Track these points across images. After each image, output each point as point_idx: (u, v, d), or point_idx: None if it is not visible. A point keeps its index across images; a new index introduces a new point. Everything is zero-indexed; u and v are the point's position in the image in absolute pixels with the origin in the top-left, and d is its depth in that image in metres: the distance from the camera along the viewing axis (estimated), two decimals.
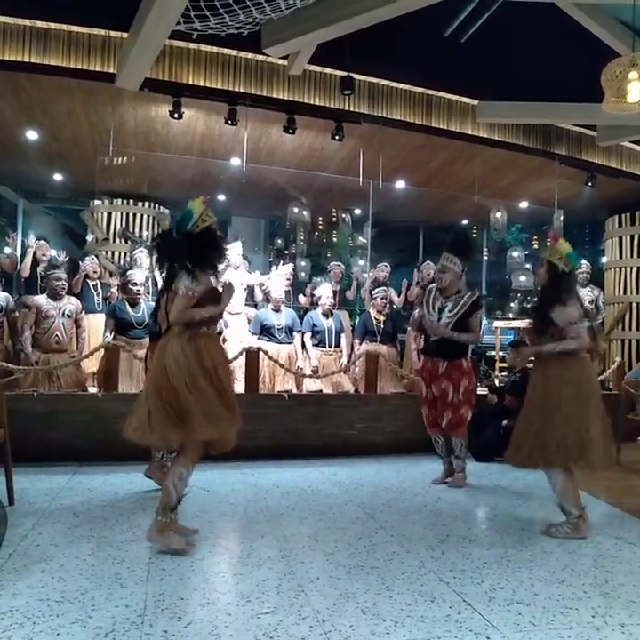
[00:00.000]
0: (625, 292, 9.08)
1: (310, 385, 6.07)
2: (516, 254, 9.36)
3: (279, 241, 10.81)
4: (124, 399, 4.92)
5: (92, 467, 4.57)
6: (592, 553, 3.07)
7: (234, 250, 6.44)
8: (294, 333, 6.27)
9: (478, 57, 6.04)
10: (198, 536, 3.06)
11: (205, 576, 2.65)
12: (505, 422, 5.32)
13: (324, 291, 6.48)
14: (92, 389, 5.74)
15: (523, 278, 8.99)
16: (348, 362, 6.30)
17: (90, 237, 8.56)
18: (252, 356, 5.36)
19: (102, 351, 5.29)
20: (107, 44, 5.66)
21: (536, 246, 11.45)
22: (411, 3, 4.63)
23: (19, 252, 7.57)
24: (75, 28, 5.56)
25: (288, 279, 6.89)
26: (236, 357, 5.35)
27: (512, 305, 11.30)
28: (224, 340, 5.41)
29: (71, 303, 5.82)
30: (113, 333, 5.49)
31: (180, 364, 2.81)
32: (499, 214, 8.66)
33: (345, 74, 6.05)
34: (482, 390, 6.17)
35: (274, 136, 6.93)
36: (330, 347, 6.36)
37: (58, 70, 5.56)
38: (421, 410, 4.51)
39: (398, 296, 7.43)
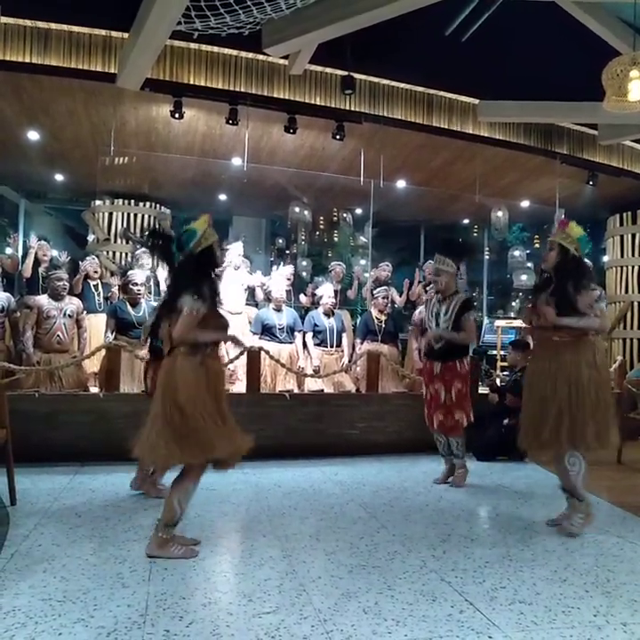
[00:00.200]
0: (626, 291, 9.07)
1: (312, 385, 6.07)
2: (517, 253, 9.36)
3: (280, 241, 10.81)
4: (125, 399, 4.93)
5: (94, 467, 4.57)
6: (594, 552, 3.07)
7: (234, 250, 6.45)
8: (296, 333, 6.27)
9: (479, 56, 6.04)
10: (198, 536, 3.05)
11: (207, 575, 2.65)
12: (506, 421, 5.32)
13: (326, 290, 6.48)
14: (94, 389, 5.74)
15: (524, 277, 8.98)
16: (350, 361, 6.30)
17: (91, 237, 8.57)
18: (253, 355, 5.36)
19: (103, 351, 5.30)
20: (108, 45, 5.66)
21: (537, 245, 11.44)
22: (411, 2, 4.62)
23: (20, 253, 7.59)
24: (76, 29, 5.58)
25: (289, 279, 6.89)
26: (237, 357, 5.36)
27: (513, 304, 11.29)
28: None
29: (72, 303, 5.82)
30: (114, 333, 5.49)
31: (190, 386, 2.81)
32: (500, 213, 8.66)
33: (346, 73, 6.05)
34: (483, 390, 6.17)
35: (275, 136, 6.94)
36: (331, 346, 6.35)
37: (59, 70, 5.57)
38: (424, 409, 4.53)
39: (400, 295, 7.43)
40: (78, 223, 9.39)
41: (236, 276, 6.41)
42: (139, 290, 5.58)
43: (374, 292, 6.75)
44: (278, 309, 6.22)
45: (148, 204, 9.02)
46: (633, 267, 9.03)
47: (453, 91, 6.82)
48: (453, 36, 6.05)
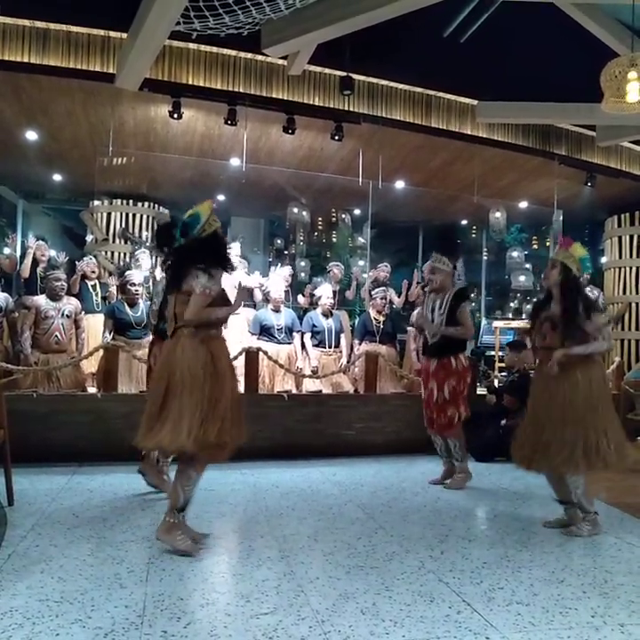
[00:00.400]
0: (624, 292, 9.09)
1: (310, 385, 6.07)
2: (515, 254, 9.37)
3: (279, 241, 10.81)
4: (123, 399, 4.93)
5: (92, 467, 4.57)
6: (591, 553, 3.07)
7: (232, 250, 6.44)
8: (294, 334, 6.27)
9: (478, 57, 6.04)
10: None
11: (205, 576, 2.65)
12: (503, 422, 5.33)
13: (324, 291, 6.48)
14: (92, 390, 5.74)
15: (522, 278, 9.00)
16: (348, 362, 6.30)
17: (89, 238, 8.57)
18: (251, 356, 5.36)
19: (101, 351, 5.29)
20: (106, 45, 5.66)
21: (535, 246, 11.45)
22: (410, 3, 4.63)
23: (18, 253, 7.57)
24: (74, 29, 5.57)
25: (287, 280, 6.89)
26: (235, 358, 5.35)
27: (511, 305, 11.29)
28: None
29: (70, 304, 5.81)
30: (112, 334, 5.49)
31: (190, 367, 2.80)
32: (498, 214, 8.66)
33: (344, 74, 6.05)
34: (481, 390, 6.17)
35: (273, 136, 6.94)
36: (329, 347, 6.35)
37: (57, 70, 5.57)
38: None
39: (398, 296, 7.43)
40: (77, 223, 9.38)
41: (234, 277, 6.40)
42: (137, 290, 5.58)
43: (373, 292, 6.75)
44: (277, 310, 6.21)
45: (146, 204, 9.01)
46: (631, 268, 9.04)
47: (452, 91, 6.83)
48: (452, 37, 6.04)
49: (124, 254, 8.48)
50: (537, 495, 4.19)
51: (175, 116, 6.06)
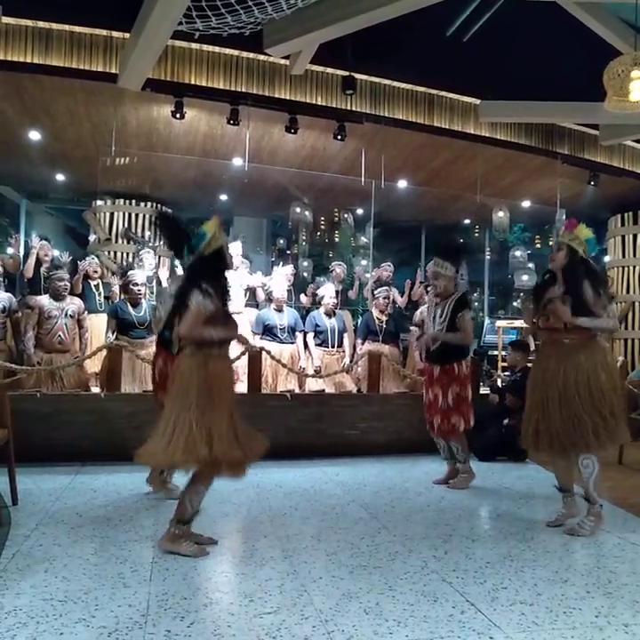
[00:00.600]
0: (628, 291, 9.07)
1: (313, 385, 6.07)
2: (518, 254, 9.35)
3: (281, 241, 10.81)
4: (126, 399, 4.93)
5: (95, 467, 4.58)
6: (595, 553, 3.07)
7: (233, 250, 6.44)
8: (297, 333, 6.27)
9: (480, 56, 6.04)
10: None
11: (208, 576, 2.65)
12: (506, 421, 5.32)
13: (327, 290, 6.48)
14: (95, 389, 5.75)
15: (525, 277, 8.98)
16: (351, 362, 6.30)
17: (92, 238, 8.58)
18: (254, 356, 5.36)
19: (105, 351, 5.30)
20: (109, 45, 5.66)
21: (538, 245, 11.43)
22: (413, 2, 4.62)
23: (22, 253, 7.59)
24: (77, 29, 5.57)
25: (289, 279, 6.88)
26: (238, 357, 5.35)
27: (514, 304, 11.28)
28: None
29: (74, 303, 5.82)
30: (115, 333, 5.50)
31: (185, 386, 2.83)
32: (501, 213, 8.65)
33: (347, 73, 6.05)
34: (484, 390, 6.17)
35: (276, 136, 6.93)
36: (332, 347, 6.35)
37: (60, 71, 5.57)
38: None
39: (401, 296, 7.42)
40: (79, 223, 9.39)
41: (236, 277, 6.41)
42: (139, 290, 5.59)
43: (375, 292, 6.74)
44: (279, 310, 6.21)
45: (149, 204, 9.02)
46: (634, 267, 9.03)
47: (454, 91, 6.82)
48: (455, 37, 6.05)
49: (127, 254, 8.50)
50: (540, 495, 4.19)
51: (178, 115, 6.06)
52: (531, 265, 9.36)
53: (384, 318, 6.57)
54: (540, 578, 2.69)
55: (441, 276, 4.35)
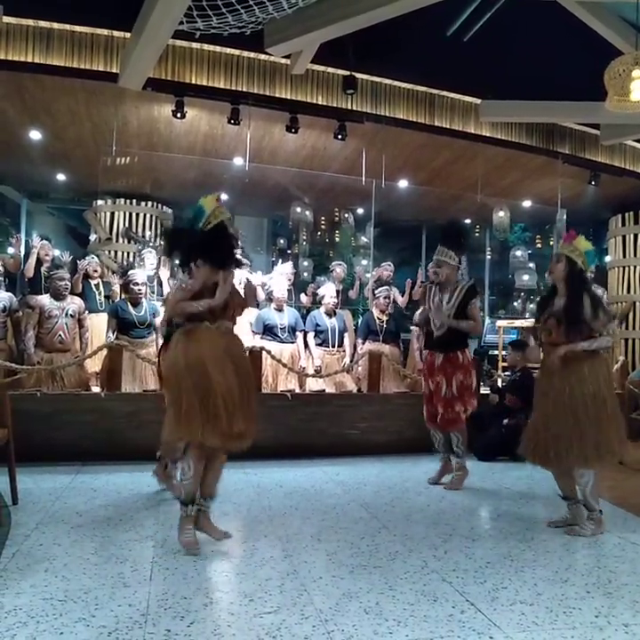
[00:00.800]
0: (628, 291, 9.06)
1: (313, 385, 6.07)
2: (519, 253, 9.35)
3: (282, 241, 10.81)
4: (127, 399, 4.94)
5: (96, 466, 4.58)
6: (595, 553, 3.06)
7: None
8: (297, 333, 6.27)
9: (481, 56, 6.04)
10: (199, 536, 3.04)
11: (208, 575, 2.65)
12: (506, 421, 5.33)
13: (328, 290, 6.48)
14: (96, 389, 5.75)
15: (526, 277, 8.98)
16: (351, 361, 6.30)
17: (93, 237, 8.58)
18: (254, 355, 5.36)
19: (105, 351, 5.30)
20: (109, 44, 5.66)
21: (539, 245, 11.42)
22: (413, 2, 4.62)
23: (22, 253, 7.59)
24: (77, 28, 5.57)
25: (289, 279, 6.88)
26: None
27: (515, 304, 11.28)
28: None
29: (74, 303, 5.82)
30: (115, 333, 5.50)
31: (172, 360, 2.86)
32: (501, 213, 8.65)
33: (348, 73, 6.05)
34: (484, 390, 6.16)
35: (276, 135, 6.93)
36: (333, 346, 6.35)
37: (61, 70, 5.57)
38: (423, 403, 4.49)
39: (402, 295, 7.42)
40: (80, 223, 9.39)
41: (238, 275, 6.40)
42: (139, 289, 5.59)
43: (376, 291, 6.74)
44: (280, 309, 6.21)
45: (149, 203, 9.03)
46: (635, 267, 9.02)
47: (455, 90, 6.81)
48: (455, 36, 6.05)
49: (128, 254, 8.50)
50: (540, 494, 4.19)
51: (178, 115, 6.06)
52: (531, 265, 9.35)
53: (384, 318, 6.57)
54: (540, 578, 2.69)
55: (445, 265, 4.31)
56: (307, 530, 3.29)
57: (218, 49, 5.96)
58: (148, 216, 8.95)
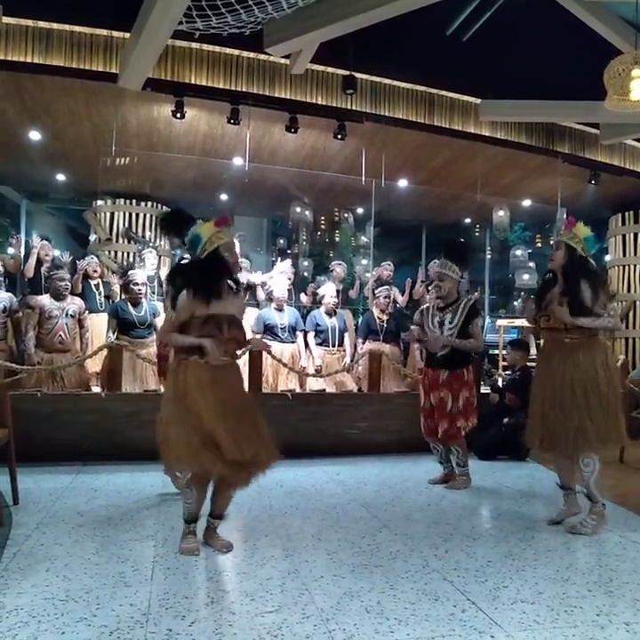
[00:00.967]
0: (628, 290, 9.07)
1: (313, 384, 6.07)
2: (519, 253, 9.35)
3: (281, 241, 10.81)
4: (127, 399, 4.94)
5: (96, 466, 4.58)
6: (596, 551, 3.07)
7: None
8: (297, 332, 6.27)
9: (480, 55, 6.04)
10: (200, 536, 3.04)
11: (209, 575, 2.66)
12: (506, 420, 5.33)
13: (328, 290, 6.48)
14: (96, 389, 5.75)
15: (526, 276, 8.97)
16: (352, 361, 6.30)
17: (93, 237, 8.58)
18: (255, 355, 5.36)
19: (105, 351, 5.30)
20: (109, 44, 5.66)
21: (539, 245, 11.42)
22: (413, 1, 4.61)
23: (22, 253, 7.59)
24: (77, 28, 5.56)
25: (289, 278, 6.89)
26: (239, 357, 5.36)
27: (515, 303, 11.28)
28: None
29: (74, 303, 5.83)
30: (115, 333, 5.50)
31: (166, 390, 2.92)
32: (501, 213, 8.65)
33: (347, 73, 6.04)
34: (485, 389, 6.16)
35: (276, 135, 6.93)
36: (333, 346, 6.35)
37: (60, 70, 5.56)
38: (421, 418, 4.47)
39: (402, 295, 7.42)
40: (80, 223, 9.38)
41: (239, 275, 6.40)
42: (139, 289, 5.59)
43: (376, 291, 6.74)
44: (280, 309, 6.21)
45: (149, 203, 9.02)
46: (635, 266, 9.02)
47: (455, 90, 6.81)
48: (455, 36, 6.04)
49: (128, 254, 8.50)
50: (541, 493, 4.19)
51: (178, 115, 6.06)
52: (531, 264, 9.35)
53: (385, 317, 6.57)
54: (542, 576, 2.69)
55: (447, 278, 4.27)
56: (307, 529, 3.30)
57: (217, 49, 5.95)
58: (147, 216, 8.95)
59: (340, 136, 6.53)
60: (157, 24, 4.44)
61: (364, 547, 3.03)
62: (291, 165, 7.86)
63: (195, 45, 5.85)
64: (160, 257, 6.63)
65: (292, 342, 6.21)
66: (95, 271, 6.83)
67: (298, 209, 8.46)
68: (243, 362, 5.43)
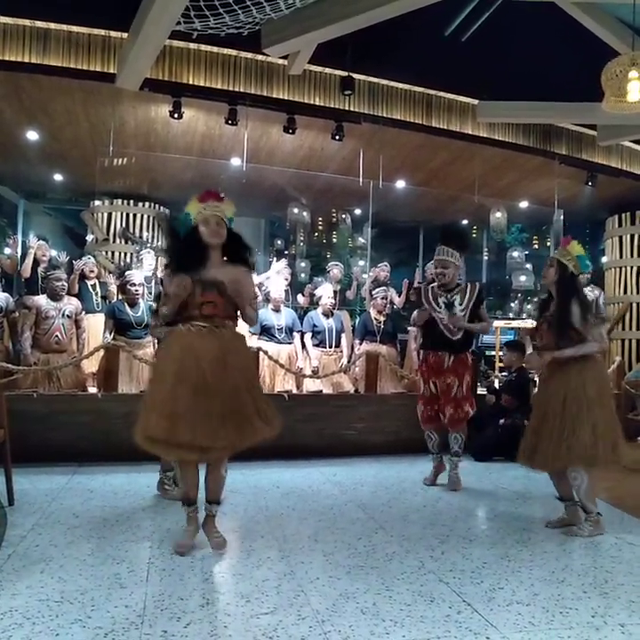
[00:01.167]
0: (625, 292, 9.08)
1: (310, 385, 6.07)
2: (516, 254, 9.36)
3: (279, 242, 10.81)
4: (123, 399, 4.92)
5: (92, 467, 4.57)
6: (592, 553, 3.07)
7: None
8: (294, 333, 6.27)
9: (478, 56, 6.03)
10: (201, 537, 3.04)
11: (205, 576, 2.65)
12: (502, 421, 5.34)
13: (325, 291, 6.48)
14: (92, 390, 5.74)
15: (523, 278, 8.99)
16: (349, 362, 6.30)
17: (90, 238, 8.57)
18: (251, 356, 5.35)
19: (102, 351, 5.29)
20: (107, 44, 5.66)
21: (536, 246, 11.43)
22: (411, 2, 4.62)
23: (19, 253, 7.57)
24: (75, 28, 5.56)
25: (286, 279, 6.89)
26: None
27: (512, 305, 11.29)
28: None
29: (71, 304, 5.81)
30: (112, 334, 5.49)
31: (155, 361, 3.00)
32: (499, 214, 8.66)
33: (345, 74, 6.05)
34: (481, 391, 6.17)
35: (274, 136, 6.93)
36: (330, 347, 6.35)
37: (58, 70, 5.56)
38: (417, 406, 4.49)
39: (399, 296, 7.43)
40: (77, 223, 9.38)
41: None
42: (137, 290, 5.58)
43: (373, 292, 6.74)
44: (277, 310, 6.21)
45: (147, 204, 9.02)
46: (632, 267, 9.03)
47: (452, 91, 6.82)
48: (452, 37, 6.04)
49: (125, 254, 8.49)
50: (537, 495, 4.19)
51: (176, 115, 6.06)
52: (528, 265, 9.37)
53: (382, 318, 6.57)
54: (537, 578, 2.70)
55: (451, 265, 4.27)
56: (304, 530, 3.29)
57: (215, 49, 5.96)
58: (145, 216, 8.94)
59: (337, 137, 6.53)
60: (155, 24, 4.44)
61: (361, 548, 3.03)
62: (288, 166, 7.87)
63: (192, 46, 5.85)
64: (158, 257, 6.61)
65: (289, 343, 6.21)
66: (92, 271, 6.82)
67: (295, 210, 8.47)
68: None
